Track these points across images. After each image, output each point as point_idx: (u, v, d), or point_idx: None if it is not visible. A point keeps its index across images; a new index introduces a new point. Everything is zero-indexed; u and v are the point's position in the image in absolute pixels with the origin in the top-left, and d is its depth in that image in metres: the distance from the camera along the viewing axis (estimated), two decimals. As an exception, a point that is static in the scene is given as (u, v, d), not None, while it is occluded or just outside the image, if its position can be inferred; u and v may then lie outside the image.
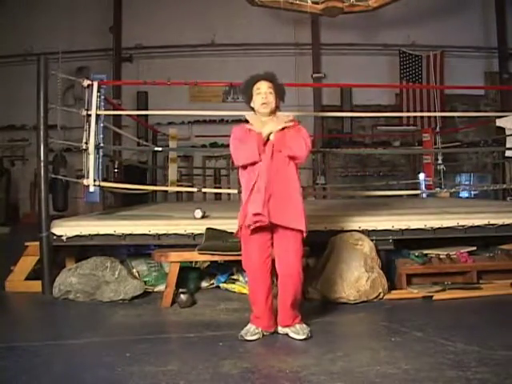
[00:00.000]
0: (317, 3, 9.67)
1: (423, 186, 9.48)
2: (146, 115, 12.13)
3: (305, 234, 2.96)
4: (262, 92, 3.00)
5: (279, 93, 3.07)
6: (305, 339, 2.91)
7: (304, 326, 2.99)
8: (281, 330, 3.03)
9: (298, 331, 2.95)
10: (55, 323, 3.54)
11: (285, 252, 2.96)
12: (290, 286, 2.96)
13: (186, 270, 4.21)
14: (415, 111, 12.69)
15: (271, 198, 2.89)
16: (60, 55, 9.67)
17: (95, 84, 4.72)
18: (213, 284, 4.37)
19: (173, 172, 8.21)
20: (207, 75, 11.15)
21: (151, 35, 12.90)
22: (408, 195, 8.50)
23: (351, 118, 12.96)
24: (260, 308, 2.99)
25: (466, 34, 12.95)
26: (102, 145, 4.78)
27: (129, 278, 4.01)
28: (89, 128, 4.66)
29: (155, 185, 9.02)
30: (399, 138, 13.06)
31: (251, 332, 2.95)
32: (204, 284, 4.36)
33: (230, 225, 4.19)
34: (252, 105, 3.08)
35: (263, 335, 2.97)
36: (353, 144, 13.27)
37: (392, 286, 4.03)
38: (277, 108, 3.08)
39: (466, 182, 13.16)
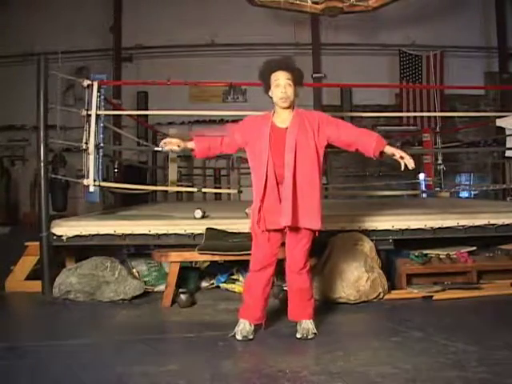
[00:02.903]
0: (317, 3, 9.67)
1: (423, 186, 9.48)
2: (146, 115, 12.12)
3: (317, 233, 2.98)
4: (281, 85, 2.89)
5: (298, 81, 2.96)
6: (302, 338, 2.93)
7: (310, 326, 3.00)
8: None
9: (301, 329, 2.98)
10: (55, 323, 3.54)
11: (298, 250, 2.97)
12: (300, 282, 3.01)
13: (186, 269, 4.21)
14: (415, 111, 12.69)
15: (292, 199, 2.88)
16: (60, 55, 9.68)
17: (95, 84, 4.72)
18: (213, 284, 4.37)
19: (173, 172, 8.21)
20: (207, 75, 11.15)
21: (151, 35, 12.90)
22: (408, 195, 8.51)
23: (351, 117, 12.92)
24: (255, 297, 2.99)
25: (466, 34, 12.95)
26: (102, 145, 4.78)
27: (129, 278, 4.01)
28: (89, 128, 4.66)
29: (155, 185, 9.01)
30: (399, 137, 13.05)
31: (249, 331, 2.96)
32: (204, 284, 4.36)
33: (229, 225, 4.20)
34: (270, 94, 2.99)
35: (252, 332, 2.97)
36: (353, 144, 13.25)
37: (392, 286, 4.03)
38: (295, 97, 2.98)
39: (466, 182, 13.15)
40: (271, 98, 3.01)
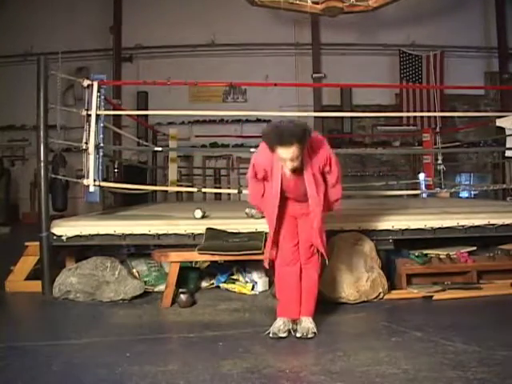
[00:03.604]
0: (317, 3, 9.67)
1: (423, 186, 9.47)
2: (146, 115, 12.13)
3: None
4: (288, 159, 2.75)
5: (304, 143, 2.76)
6: (302, 338, 2.95)
7: (310, 325, 3.01)
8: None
9: (301, 328, 3.00)
10: (55, 323, 3.54)
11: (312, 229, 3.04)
12: (306, 275, 3.10)
13: (186, 269, 4.21)
14: (415, 111, 12.68)
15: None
16: (60, 55, 9.63)
17: (95, 84, 4.71)
18: (213, 284, 4.37)
19: (173, 172, 8.22)
20: (207, 75, 11.15)
21: (151, 35, 12.89)
22: (408, 195, 8.49)
23: (351, 117, 12.95)
24: (291, 294, 3.07)
25: (466, 34, 12.94)
26: (101, 145, 4.77)
27: (129, 278, 4.01)
28: (89, 128, 4.66)
29: (155, 185, 9.01)
30: (399, 137, 13.05)
31: (282, 329, 2.99)
32: (204, 284, 4.36)
33: (230, 225, 4.20)
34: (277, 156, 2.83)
35: (289, 329, 3.03)
36: (353, 144, 13.25)
37: (392, 286, 4.03)
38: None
39: (466, 182, 13.14)
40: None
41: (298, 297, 3.08)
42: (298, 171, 2.89)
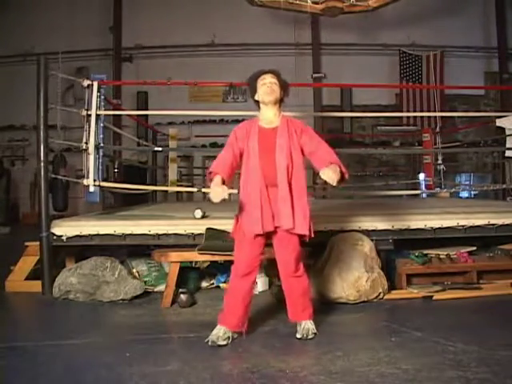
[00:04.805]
0: (317, 3, 9.68)
1: (423, 186, 9.48)
2: (146, 115, 12.12)
3: (307, 238, 2.96)
4: (267, 82, 2.98)
5: (284, 87, 3.04)
6: (302, 339, 2.94)
7: (310, 326, 3.00)
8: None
9: (301, 329, 2.98)
10: (55, 323, 3.54)
11: (288, 255, 2.95)
12: (296, 285, 3.00)
13: (186, 269, 4.21)
14: (415, 111, 12.69)
15: (276, 201, 2.88)
16: (60, 55, 9.66)
17: (95, 84, 4.72)
18: (213, 284, 4.37)
19: (173, 172, 8.21)
20: (207, 75, 11.15)
21: (151, 35, 12.91)
22: (408, 195, 8.50)
23: (351, 117, 12.96)
24: (235, 305, 2.94)
25: (466, 34, 12.96)
26: (101, 145, 4.78)
27: (129, 278, 4.01)
28: (89, 128, 4.66)
29: (155, 185, 9.01)
30: (399, 137, 13.06)
31: (222, 337, 2.88)
32: (204, 284, 4.36)
33: (230, 225, 4.16)
34: (257, 97, 3.03)
35: (233, 338, 2.92)
36: (353, 144, 13.26)
37: (392, 286, 4.03)
38: (281, 101, 3.03)
39: (466, 182, 13.15)
40: (257, 102, 3.04)
41: (242, 312, 2.94)
42: (272, 134, 2.90)
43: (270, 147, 2.91)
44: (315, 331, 2.99)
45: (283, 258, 2.98)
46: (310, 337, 2.95)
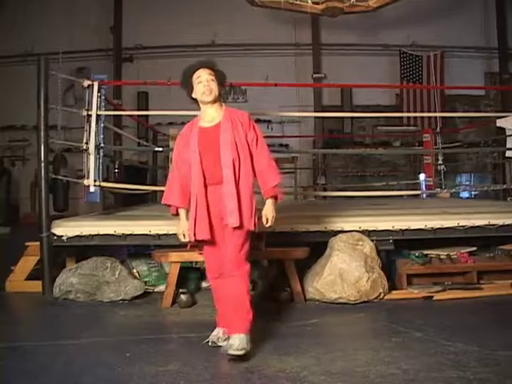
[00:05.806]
0: (317, 3, 9.68)
1: (423, 187, 9.47)
2: (147, 115, 12.13)
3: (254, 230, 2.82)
4: (204, 80, 2.83)
5: (221, 80, 2.92)
6: (236, 355, 2.55)
7: (243, 341, 2.60)
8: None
9: (233, 344, 2.59)
10: (55, 323, 3.54)
11: (231, 250, 2.76)
12: (232, 287, 2.74)
13: (186, 270, 4.21)
14: (415, 111, 12.68)
15: (220, 200, 2.76)
16: (60, 55, 9.65)
17: (95, 84, 4.71)
18: (213, 284, 4.36)
19: (173, 172, 8.18)
20: (207, 75, 11.13)
21: (152, 35, 12.90)
22: (408, 195, 8.50)
23: (351, 118, 12.96)
24: (220, 307, 2.92)
25: (467, 34, 12.95)
26: (102, 145, 4.77)
27: (129, 279, 4.01)
28: (89, 128, 4.66)
29: (155, 185, 9.00)
30: (399, 138, 13.05)
31: (222, 337, 2.85)
32: (204, 284, 4.35)
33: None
34: (194, 95, 2.89)
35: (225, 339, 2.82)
36: (353, 144, 13.26)
37: (392, 287, 4.03)
38: (220, 96, 2.91)
39: (467, 183, 13.15)
40: (195, 99, 2.92)
41: (228, 313, 2.81)
42: (215, 132, 2.80)
43: (214, 145, 2.78)
44: (248, 348, 2.60)
45: (227, 253, 2.77)
46: (239, 353, 2.54)
